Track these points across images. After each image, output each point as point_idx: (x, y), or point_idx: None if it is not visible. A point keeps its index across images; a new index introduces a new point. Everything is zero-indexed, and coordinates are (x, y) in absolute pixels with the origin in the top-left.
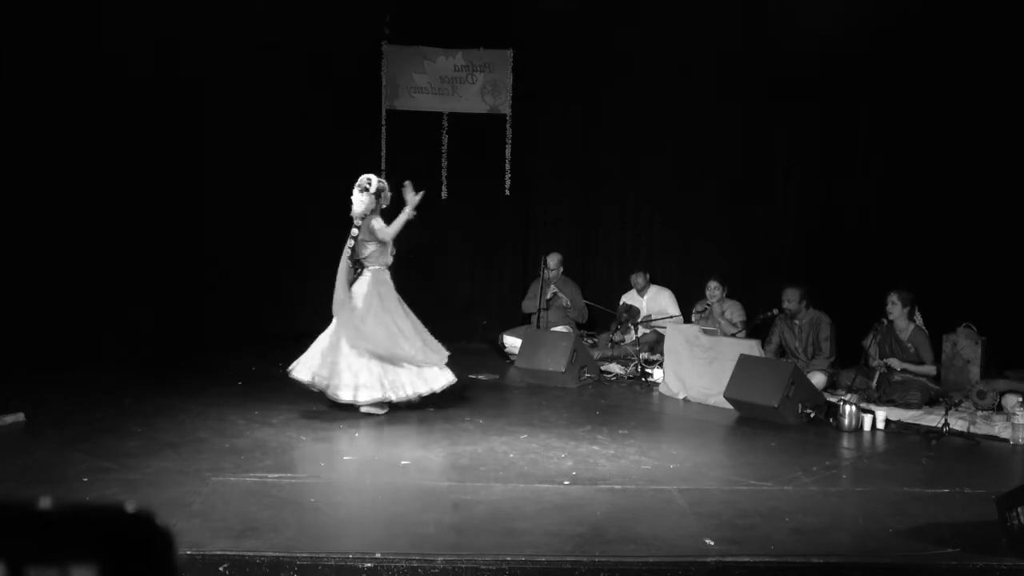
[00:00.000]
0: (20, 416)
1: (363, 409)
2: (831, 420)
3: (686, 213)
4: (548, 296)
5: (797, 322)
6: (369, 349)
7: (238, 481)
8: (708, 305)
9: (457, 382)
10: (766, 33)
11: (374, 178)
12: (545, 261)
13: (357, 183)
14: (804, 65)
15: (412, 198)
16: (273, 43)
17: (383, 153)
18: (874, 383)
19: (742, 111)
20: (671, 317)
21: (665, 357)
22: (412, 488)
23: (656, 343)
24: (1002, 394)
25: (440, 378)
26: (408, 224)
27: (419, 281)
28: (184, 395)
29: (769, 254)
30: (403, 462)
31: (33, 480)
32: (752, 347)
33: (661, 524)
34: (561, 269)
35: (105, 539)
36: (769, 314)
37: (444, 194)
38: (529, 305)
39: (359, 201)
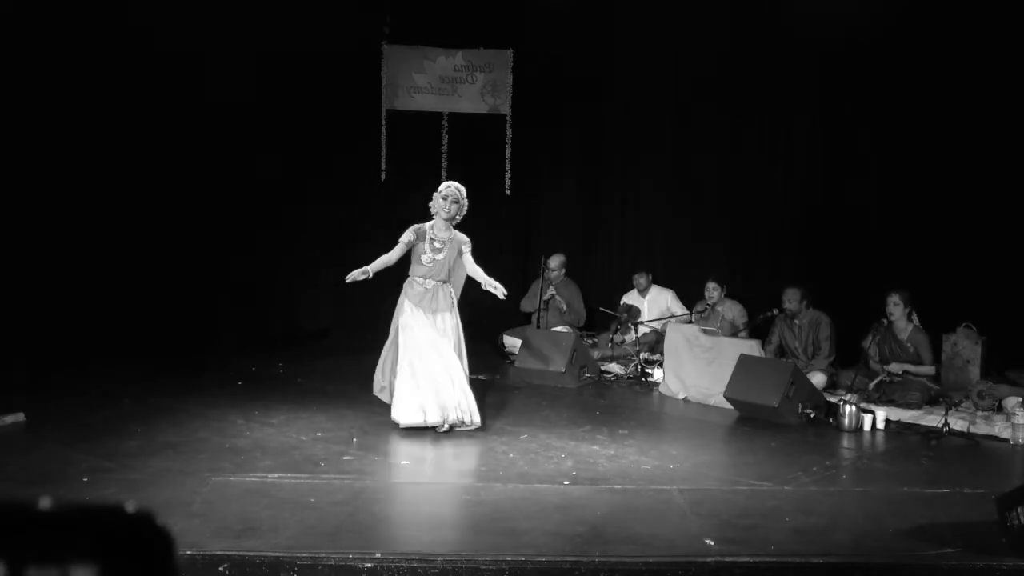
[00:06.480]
0: (20, 416)
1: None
2: (831, 420)
3: (686, 213)
4: (546, 297)
5: (797, 322)
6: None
7: (238, 481)
8: (708, 305)
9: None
10: (766, 32)
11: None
12: (546, 262)
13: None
14: (804, 64)
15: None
16: (273, 43)
17: (383, 153)
18: (871, 386)
19: (743, 111)
20: (678, 316)
21: (665, 357)
22: (412, 488)
23: (656, 343)
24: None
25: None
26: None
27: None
28: (184, 395)
29: (769, 254)
30: (403, 462)
31: (33, 480)
32: (752, 347)
33: (661, 524)
34: (563, 271)
35: (105, 539)
36: (769, 314)
37: None
38: (527, 304)
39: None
